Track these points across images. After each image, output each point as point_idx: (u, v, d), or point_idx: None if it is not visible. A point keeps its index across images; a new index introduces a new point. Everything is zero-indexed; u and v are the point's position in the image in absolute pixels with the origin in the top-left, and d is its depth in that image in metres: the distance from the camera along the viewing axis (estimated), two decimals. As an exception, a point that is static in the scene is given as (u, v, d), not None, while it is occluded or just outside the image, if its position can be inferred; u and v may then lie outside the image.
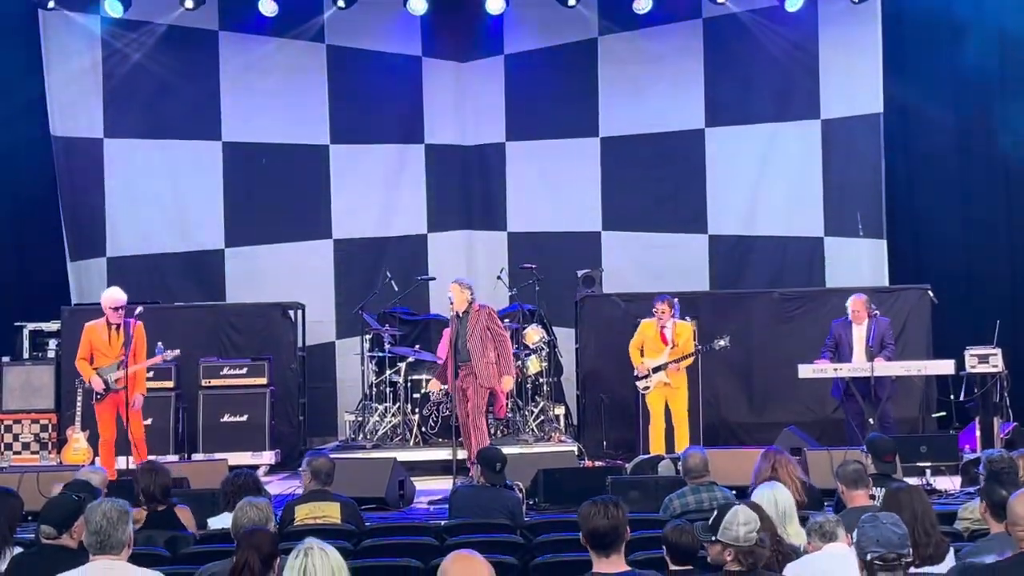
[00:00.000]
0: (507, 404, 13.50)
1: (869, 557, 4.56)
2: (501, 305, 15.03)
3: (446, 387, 12.09)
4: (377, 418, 13.54)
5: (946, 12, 15.39)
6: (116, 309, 11.28)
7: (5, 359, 14.13)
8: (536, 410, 13.69)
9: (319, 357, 15.70)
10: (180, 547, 7.11)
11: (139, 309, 11.53)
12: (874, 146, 15.63)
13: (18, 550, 6.41)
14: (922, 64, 15.57)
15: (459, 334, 11.69)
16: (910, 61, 15.59)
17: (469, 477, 10.46)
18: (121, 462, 11.06)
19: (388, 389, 13.56)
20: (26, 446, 13.74)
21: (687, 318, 12.91)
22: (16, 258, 15.61)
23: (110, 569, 5.19)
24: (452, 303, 11.88)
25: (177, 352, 11.86)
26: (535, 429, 13.42)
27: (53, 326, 14.34)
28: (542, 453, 11.82)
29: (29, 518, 7.32)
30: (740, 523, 5.23)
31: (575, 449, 12.50)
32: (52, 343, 14.27)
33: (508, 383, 11.95)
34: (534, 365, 13.61)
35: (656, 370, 12.23)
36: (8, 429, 13.78)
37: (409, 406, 13.25)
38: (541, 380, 13.83)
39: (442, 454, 12.43)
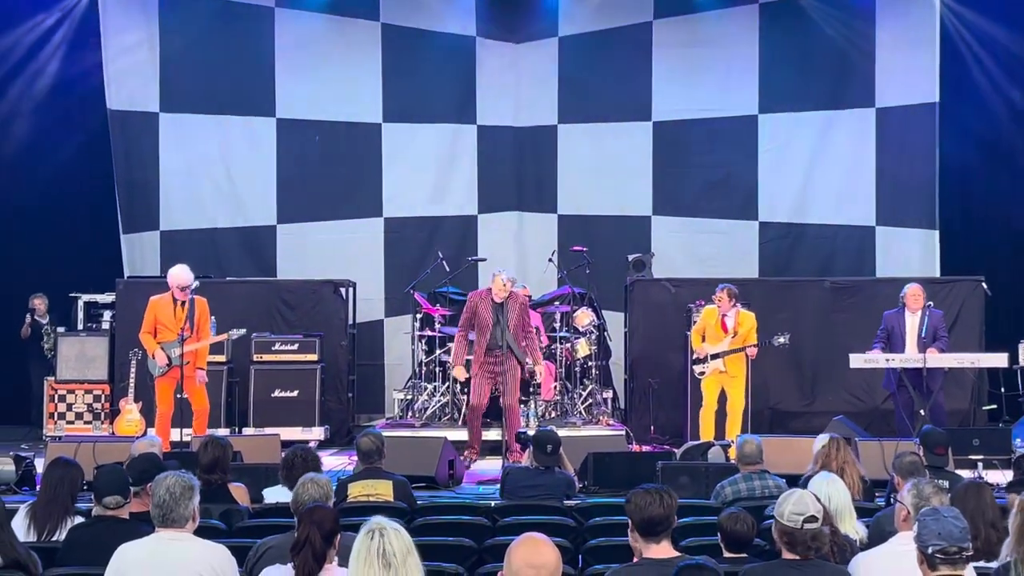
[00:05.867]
0: (555, 387, 13.55)
1: (931, 550, 4.55)
2: (550, 288, 15.08)
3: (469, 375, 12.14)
4: (426, 397, 13.61)
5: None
6: (183, 289, 11.35)
7: (60, 329, 14.29)
8: (584, 393, 13.72)
9: (367, 335, 15.78)
10: (235, 520, 7.17)
11: (196, 283, 11.61)
12: (929, 136, 15.50)
13: (78, 520, 6.52)
14: (980, 53, 15.42)
15: (499, 323, 11.68)
16: (968, 50, 15.45)
17: (513, 462, 10.53)
18: (175, 435, 11.16)
19: (437, 369, 13.62)
20: (79, 416, 13.91)
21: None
22: (72, 229, 15.77)
23: (175, 540, 5.26)
24: (494, 292, 11.78)
25: (243, 331, 12.04)
26: (583, 412, 13.46)
27: (107, 298, 14.49)
28: (591, 436, 11.83)
29: (85, 487, 7.40)
30: (791, 502, 5.26)
31: (624, 433, 12.49)
32: (107, 315, 14.41)
33: (541, 369, 12.35)
34: (583, 348, 13.62)
35: (714, 357, 12.21)
36: (62, 399, 13.95)
37: (458, 386, 13.29)
38: (590, 363, 13.84)
39: (490, 435, 12.47)
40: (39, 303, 14.59)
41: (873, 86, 15.83)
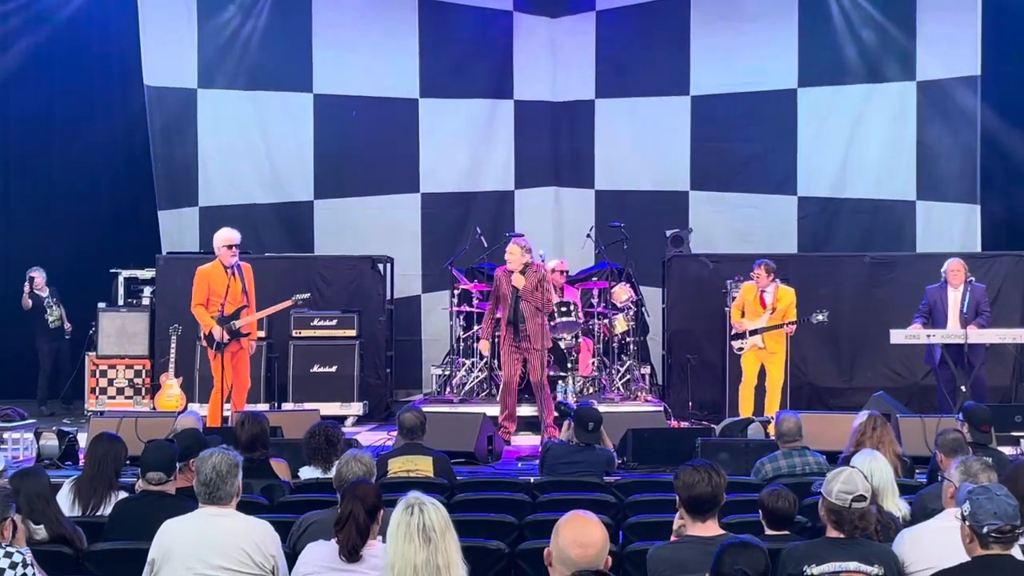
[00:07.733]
0: (592, 363, 13.52)
1: (986, 529, 4.54)
2: (588, 263, 15.04)
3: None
4: (464, 372, 13.62)
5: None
6: (230, 247, 10.96)
7: (101, 305, 14.36)
8: (622, 369, 13.69)
9: (405, 310, 15.81)
10: (276, 496, 7.21)
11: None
12: (970, 109, 15.37)
13: (122, 494, 6.57)
14: (1022, 24, 15.23)
15: (516, 295, 11.50)
16: (1011, 20, 15.25)
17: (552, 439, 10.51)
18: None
19: (475, 344, 13.61)
20: (120, 391, 14.02)
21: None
22: (111, 205, 15.86)
23: (219, 517, 5.30)
24: (507, 261, 11.61)
25: (307, 296, 11.95)
26: (621, 388, 13.43)
27: (147, 273, 14.56)
28: (630, 412, 11.78)
29: (128, 462, 7.45)
30: (840, 480, 5.24)
31: (663, 409, 12.45)
32: (147, 290, 14.48)
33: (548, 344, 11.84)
34: (621, 324, 13.57)
35: (753, 333, 12.15)
36: (103, 374, 14.06)
37: (496, 361, 13.28)
38: (627, 339, 13.81)
39: (527, 411, 12.46)
40: (36, 275, 14.61)
41: (914, 59, 15.67)
